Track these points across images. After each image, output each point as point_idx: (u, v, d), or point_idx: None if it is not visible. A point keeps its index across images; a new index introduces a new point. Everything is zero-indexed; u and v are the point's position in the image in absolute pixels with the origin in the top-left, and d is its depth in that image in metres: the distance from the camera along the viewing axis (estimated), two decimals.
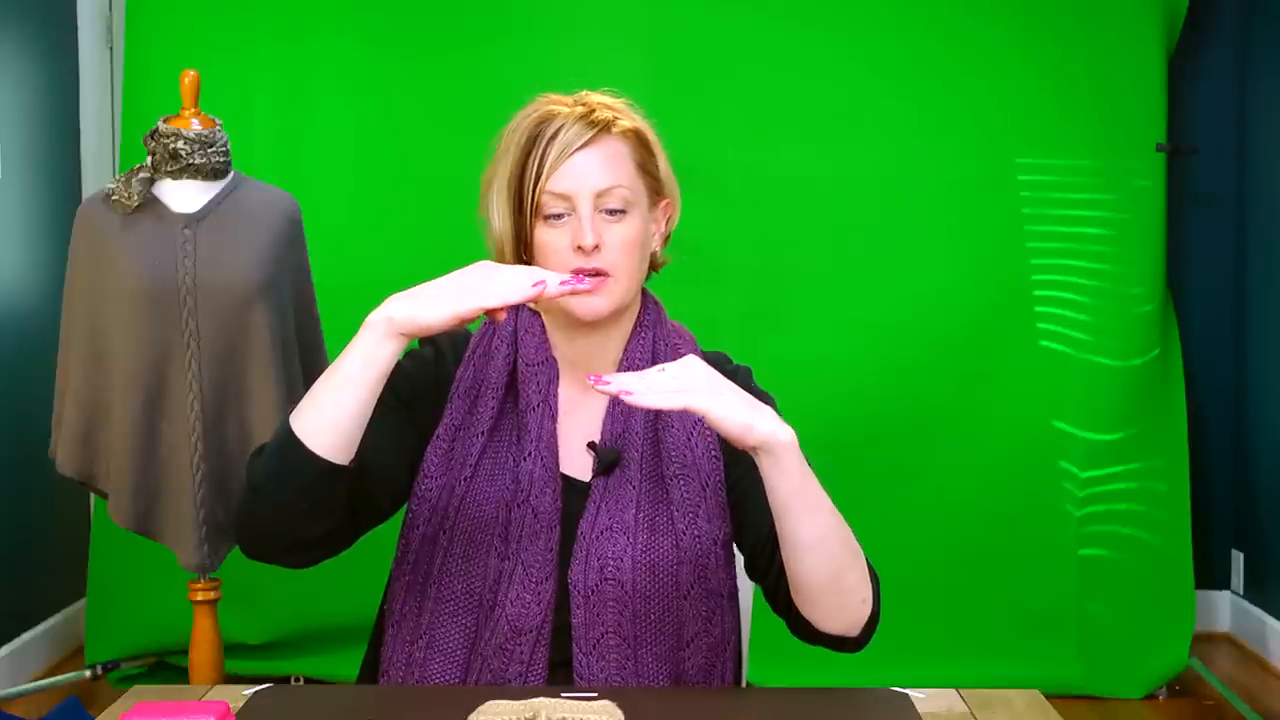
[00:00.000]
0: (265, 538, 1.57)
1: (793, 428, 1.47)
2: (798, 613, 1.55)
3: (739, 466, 1.65)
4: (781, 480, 1.46)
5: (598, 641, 1.59)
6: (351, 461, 1.52)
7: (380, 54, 3.69)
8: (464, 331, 1.72)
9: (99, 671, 3.56)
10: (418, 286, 1.51)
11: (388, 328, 1.50)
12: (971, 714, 1.50)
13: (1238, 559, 4.09)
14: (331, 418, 1.50)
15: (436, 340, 1.70)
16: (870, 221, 3.72)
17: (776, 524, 1.50)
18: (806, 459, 1.48)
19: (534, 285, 1.48)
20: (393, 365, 1.51)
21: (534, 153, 1.61)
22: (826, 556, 1.50)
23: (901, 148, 3.71)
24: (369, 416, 1.51)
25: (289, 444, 1.50)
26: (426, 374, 1.68)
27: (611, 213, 1.62)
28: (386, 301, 1.51)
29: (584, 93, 1.67)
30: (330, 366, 1.53)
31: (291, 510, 1.52)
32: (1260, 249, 3.97)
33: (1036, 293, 3.72)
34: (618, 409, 1.66)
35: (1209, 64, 4.06)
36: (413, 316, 1.49)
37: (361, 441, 1.53)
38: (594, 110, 1.63)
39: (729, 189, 3.68)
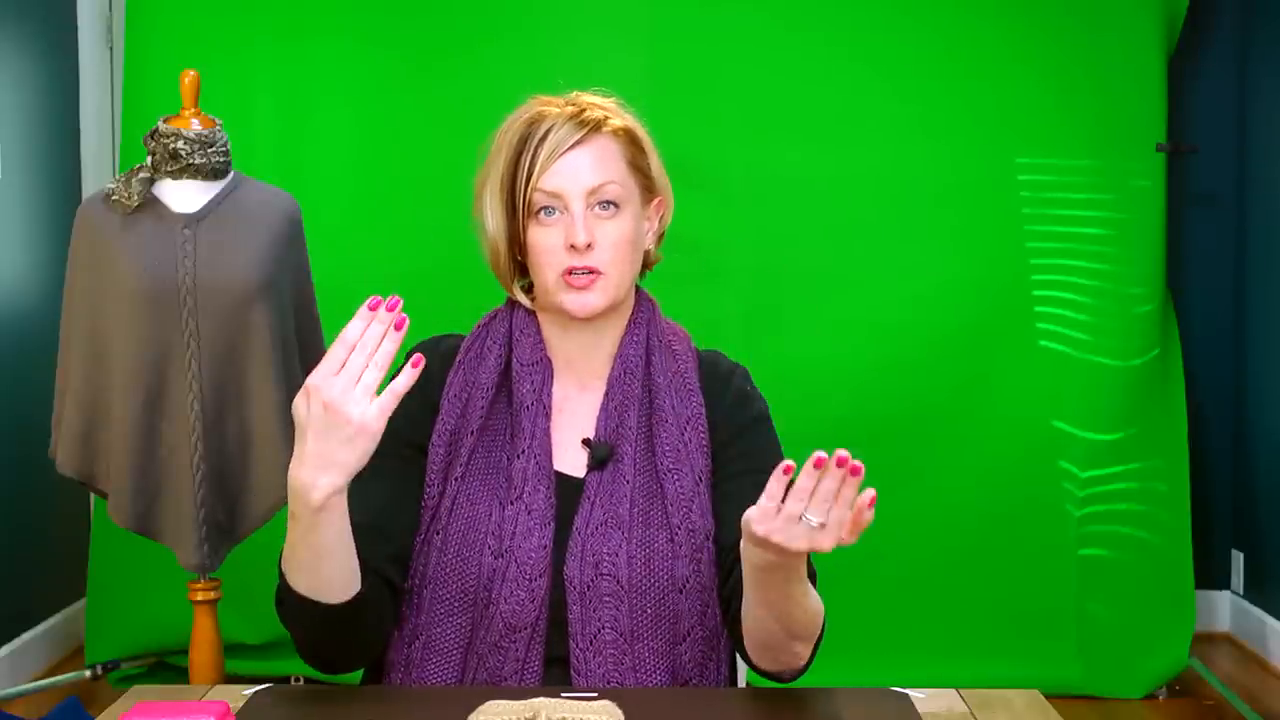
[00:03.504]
0: (323, 667, 1.58)
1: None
2: (739, 641, 1.58)
3: (725, 466, 1.66)
4: (772, 583, 1.42)
5: (594, 637, 1.59)
6: (358, 592, 1.50)
7: (380, 54, 3.69)
8: (454, 340, 1.71)
9: (99, 671, 3.55)
10: (306, 451, 1.36)
11: (320, 506, 1.39)
12: (971, 714, 1.50)
13: (1238, 559, 4.09)
14: (326, 575, 1.46)
15: (421, 350, 1.70)
16: (870, 221, 3.72)
17: (751, 597, 1.46)
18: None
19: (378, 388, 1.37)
20: (339, 509, 1.41)
21: (525, 153, 1.62)
22: (771, 630, 1.49)
23: (901, 148, 3.71)
24: (349, 540, 1.46)
25: (295, 600, 1.49)
26: (414, 392, 1.67)
27: (604, 210, 1.62)
28: (305, 482, 1.38)
29: (575, 93, 1.68)
30: (295, 541, 1.44)
31: (331, 649, 1.55)
32: (1260, 249, 3.97)
33: (1036, 293, 3.72)
34: (612, 406, 1.67)
35: (1209, 64, 4.06)
36: (334, 485, 1.38)
37: (371, 507, 1.56)
38: (584, 110, 1.64)
39: (729, 189, 3.68)
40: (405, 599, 1.64)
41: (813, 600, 1.48)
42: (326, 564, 1.46)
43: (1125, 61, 3.68)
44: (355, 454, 1.36)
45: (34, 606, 3.72)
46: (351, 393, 1.35)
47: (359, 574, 1.50)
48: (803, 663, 1.56)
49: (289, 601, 1.50)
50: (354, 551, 1.48)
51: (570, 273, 1.61)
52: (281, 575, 1.50)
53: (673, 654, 1.62)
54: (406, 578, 1.62)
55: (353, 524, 1.47)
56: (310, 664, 1.59)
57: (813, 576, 1.51)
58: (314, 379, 1.35)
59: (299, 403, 1.36)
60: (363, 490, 1.60)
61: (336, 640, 1.54)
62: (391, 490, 1.63)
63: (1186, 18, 3.73)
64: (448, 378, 1.68)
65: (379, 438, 1.37)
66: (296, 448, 1.37)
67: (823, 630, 1.55)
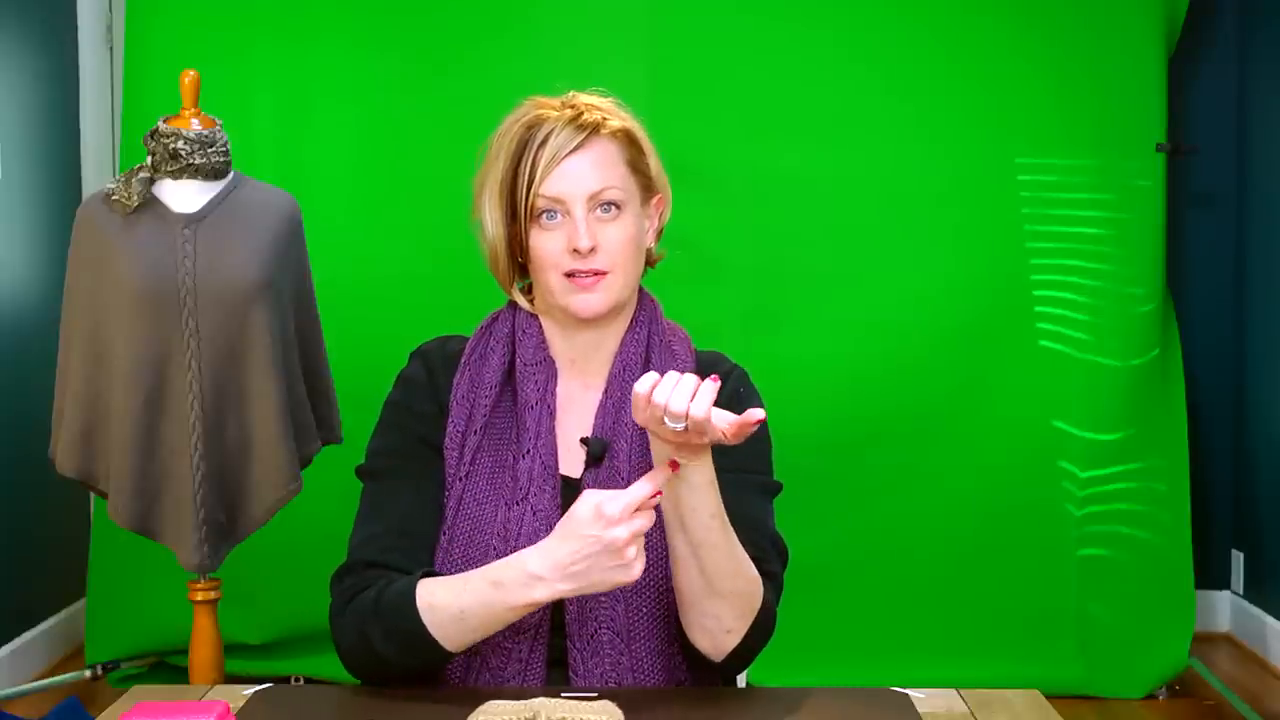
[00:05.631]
0: (388, 681, 1.60)
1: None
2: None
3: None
4: (707, 492, 1.49)
5: (592, 637, 1.59)
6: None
7: (380, 54, 3.69)
8: (458, 342, 1.72)
9: (99, 671, 3.56)
10: (563, 556, 1.46)
11: (531, 604, 1.50)
12: (971, 714, 1.50)
13: (1238, 559, 4.09)
14: (471, 634, 1.53)
15: (426, 354, 1.70)
16: (870, 221, 3.72)
17: (665, 521, 1.53)
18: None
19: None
20: (535, 610, 1.52)
21: (525, 158, 1.62)
22: (691, 577, 1.53)
23: (901, 148, 3.71)
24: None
25: (420, 634, 1.52)
26: (425, 396, 1.68)
27: (605, 212, 1.62)
28: (539, 582, 1.47)
29: (572, 94, 1.67)
30: (477, 600, 1.51)
31: (413, 674, 1.57)
32: (1260, 249, 3.97)
33: (1036, 293, 3.72)
34: (610, 403, 1.67)
35: (1209, 64, 4.06)
36: (558, 595, 1.49)
37: (402, 512, 1.61)
38: (582, 112, 1.64)
39: (729, 189, 3.68)
40: None
41: (738, 552, 1.53)
42: (481, 634, 1.52)
43: (1125, 61, 3.68)
44: (595, 588, 1.47)
45: (34, 606, 3.72)
46: (635, 542, 1.44)
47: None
48: (734, 640, 1.57)
49: (401, 629, 1.52)
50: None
51: (573, 275, 1.61)
52: (408, 604, 1.52)
53: (670, 653, 1.62)
54: None
55: (389, 530, 1.55)
56: (355, 671, 1.60)
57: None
58: (620, 510, 1.43)
59: (588, 513, 1.44)
60: (394, 495, 1.61)
61: (411, 667, 1.55)
62: (419, 494, 1.64)
63: (1186, 18, 3.73)
64: (454, 380, 1.68)
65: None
66: (555, 544, 1.46)
67: (763, 619, 1.58)
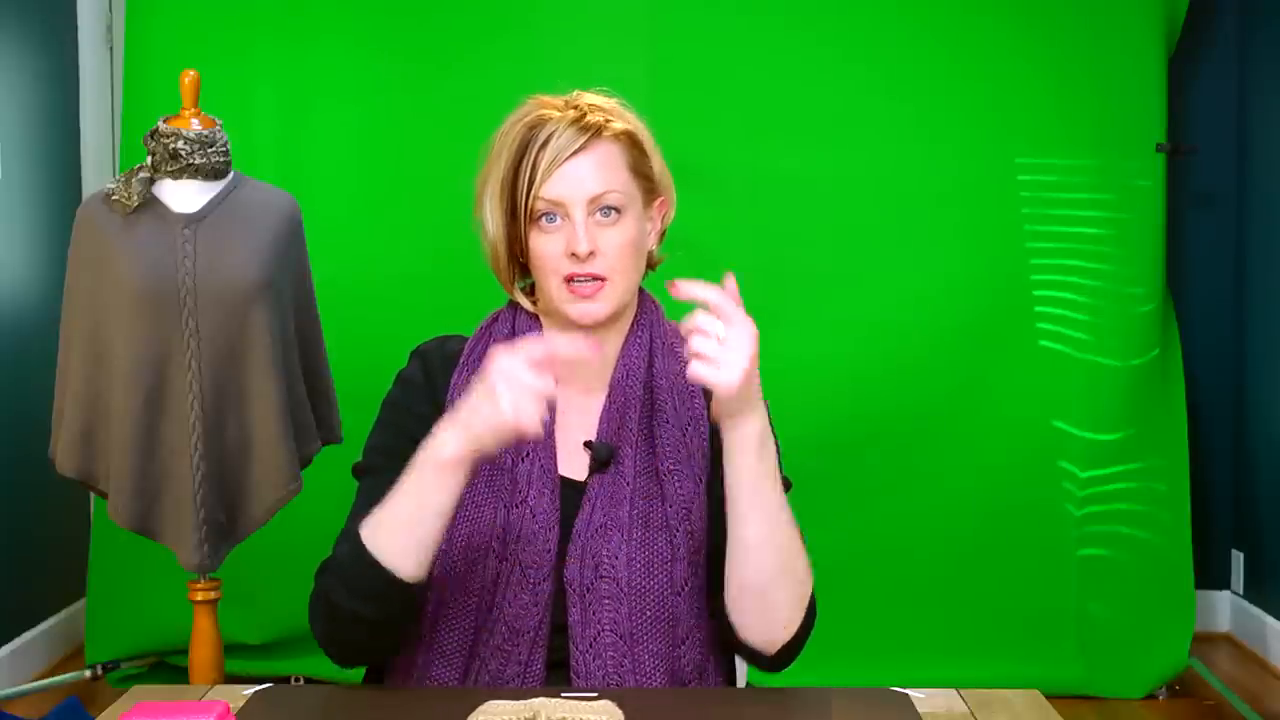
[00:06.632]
0: (356, 653, 1.59)
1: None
2: (724, 616, 1.59)
3: (717, 467, 1.66)
4: (750, 464, 1.50)
5: (594, 639, 1.59)
6: (420, 581, 1.54)
7: (380, 54, 3.69)
8: (456, 342, 1.71)
9: (99, 671, 3.56)
10: (461, 411, 1.48)
11: (455, 465, 1.48)
12: (971, 714, 1.50)
13: (1238, 559, 4.09)
14: (412, 542, 1.50)
15: (425, 354, 1.70)
16: (870, 221, 3.72)
17: (728, 512, 1.53)
18: (784, 472, 1.53)
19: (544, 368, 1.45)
20: (456, 481, 1.49)
21: (526, 159, 1.60)
22: (761, 564, 1.53)
23: (901, 148, 3.71)
24: (443, 526, 1.52)
25: (368, 566, 1.51)
26: (422, 397, 1.68)
27: (605, 216, 1.61)
28: (445, 436, 1.48)
29: (575, 94, 1.66)
30: (403, 492, 1.50)
31: (380, 628, 1.55)
32: (1260, 249, 3.97)
33: (1036, 293, 3.72)
34: (614, 408, 1.66)
35: (1209, 64, 4.06)
36: (468, 448, 1.47)
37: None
38: (585, 114, 1.62)
39: (729, 189, 3.68)
40: None
41: (786, 527, 1.53)
42: (420, 530, 1.49)
43: (1125, 61, 3.68)
44: (493, 436, 1.44)
45: (34, 606, 3.72)
46: (523, 380, 1.42)
47: (429, 565, 1.53)
48: (791, 631, 1.56)
49: (355, 571, 1.51)
50: (438, 542, 1.52)
51: (573, 280, 1.60)
52: (355, 541, 1.51)
53: (672, 656, 1.62)
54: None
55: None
56: (331, 647, 1.58)
57: (788, 486, 1.60)
58: (509, 360, 1.43)
59: (491, 369, 1.44)
60: (385, 492, 1.60)
61: (379, 623, 1.53)
62: None
63: (1186, 18, 3.73)
64: (451, 380, 1.68)
65: (519, 437, 1.44)
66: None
67: (812, 608, 1.58)
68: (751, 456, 1.50)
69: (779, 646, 1.57)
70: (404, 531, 1.50)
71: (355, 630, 1.55)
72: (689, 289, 1.45)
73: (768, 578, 1.54)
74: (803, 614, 1.57)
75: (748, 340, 1.44)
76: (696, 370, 1.43)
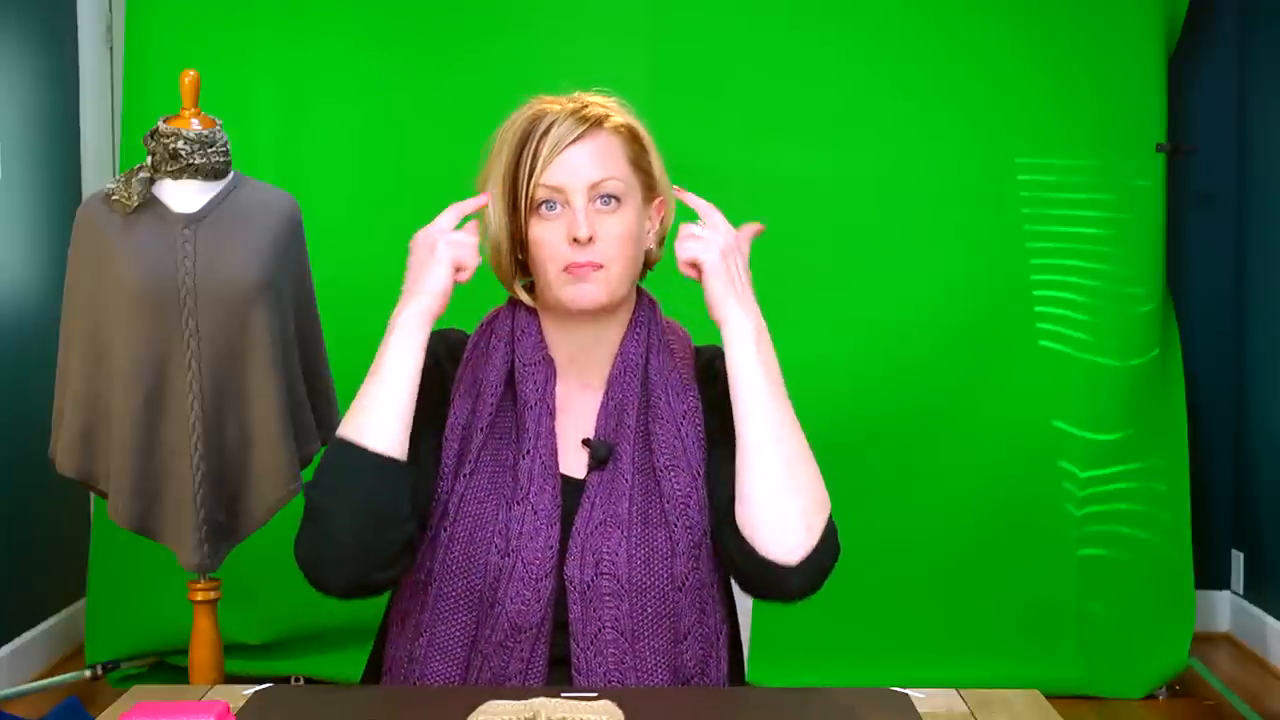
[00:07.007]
0: (341, 564, 1.56)
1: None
2: (738, 537, 1.59)
3: (712, 435, 1.68)
4: (743, 359, 1.59)
5: (595, 636, 1.59)
6: (402, 459, 1.57)
7: (380, 54, 3.69)
8: (459, 334, 1.72)
9: (99, 671, 3.56)
10: (407, 283, 1.62)
11: (420, 319, 1.59)
12: (971, 714, 1.50)
13: (1238, 559, 4.09)
14: (384, 413, 1.56)
15: (433, 346, 1.70)
16: (870, 221, 3.72)
17: (734, 415, 1.59)
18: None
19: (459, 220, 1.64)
20: (415, 338, 1.59)
21: (527, 149, 1.63)
22: (764, 465, 1.57)
23: (901, 148, 3.71)
24: (410, 394, 1.58)
25: (345, 452, 1.54)
26: (432, 379, 1.68)
27: (605, 204, 1.63)
28: (405, 303, 1.61)
29: (577, 93, 1.69)
30: (371, 372, 1.60)
31: (363, 520, 1.54)
32: (1260, 249, 3.97)
33: (1036, 293, 3.72)
34: (611, 405, 1.67)
35: (1209, 64, 4.06)
36: (430, 302, 1.59)
37: (412, 449, 1.59)
38: (586, 107, 1.65)
39: (729, 189, 3.63)
40: (412, 592, 1.64)
41: (791, 428, 1.62)
42: (386, 398, 1.57)
43: (1125, 61, 3.68)
44: (432, 277, 1.59)
45: (34, 606, 3.72)
46: (455, 237, 1.62)
47: (405, 445, 1.56)
48: (814, 539, 1.57)
49: (333, 463, 1.56)
50: (409, 417, 1.58)
51: (571, 267, 1.61)
52: (338, 444, 1.57)
53: (673, 652, 1.62)
54: (424, 533, 1.63)
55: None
56: (315, 569, 1.58)
57: None
58: (433, 229, 1.64)
59: (421, 240, 1.65)
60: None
61: (370, 511, 1.53)
62: (421, 458, 1.63)
63: (1186, 18, 3.73)
64: (458, 373, 1.69)
65: (450, 264, 1.60)
66: None
67: (833, 531, 1.60)
68: (748, 348, 1.58)
69: (802, 555, 1.56)
70: (373, 405, 1.57)
71: (342, 539, 1.54)
72: (686, 196, 1.67)
73: (773, 482, 1.56)
74: (815, 539, 1.57)
75: (728, 229, 1.65)
76: (682, 248, 1.61)
